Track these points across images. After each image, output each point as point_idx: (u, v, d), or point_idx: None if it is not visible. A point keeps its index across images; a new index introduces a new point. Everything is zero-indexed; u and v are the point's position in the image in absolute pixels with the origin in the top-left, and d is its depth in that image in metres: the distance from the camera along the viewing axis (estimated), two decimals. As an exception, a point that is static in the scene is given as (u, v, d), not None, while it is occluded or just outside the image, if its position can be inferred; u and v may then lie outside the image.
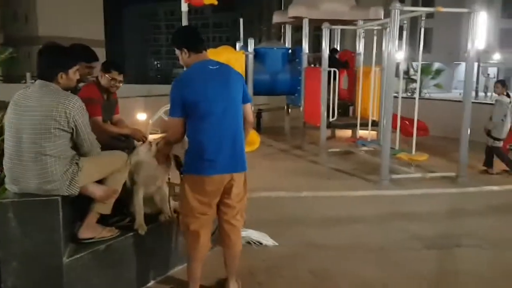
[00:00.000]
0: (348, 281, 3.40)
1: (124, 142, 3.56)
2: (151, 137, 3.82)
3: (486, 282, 3.39)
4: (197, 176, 2.72)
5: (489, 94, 25.98)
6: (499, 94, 6.67)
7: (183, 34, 2.93)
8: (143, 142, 3.50)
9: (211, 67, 2.74)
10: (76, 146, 2.69)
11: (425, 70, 20.58)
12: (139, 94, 12.57)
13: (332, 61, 8.27)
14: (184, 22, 9.36)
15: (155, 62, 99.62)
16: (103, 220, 2.99)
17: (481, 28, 5.85)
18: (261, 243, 3.95)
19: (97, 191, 2.77)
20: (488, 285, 3.36)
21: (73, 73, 2.70)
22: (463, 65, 37.23)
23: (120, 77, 3.51)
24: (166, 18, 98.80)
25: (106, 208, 2.89)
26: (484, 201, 5.32)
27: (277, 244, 4.00)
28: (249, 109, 2.90)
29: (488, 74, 32.00)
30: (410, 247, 4.11)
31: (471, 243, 4.17)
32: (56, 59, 2.65)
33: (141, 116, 10.01)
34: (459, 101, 10.74)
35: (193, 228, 2.80)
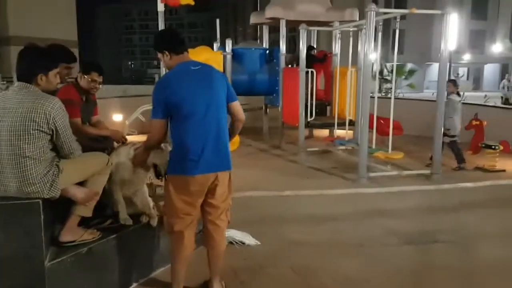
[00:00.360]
0: (330, 277, 3.45)
1: (103, 143, 3.53)
2: (128, 138, 3.79)
3: (462, 276, 3.50)
4: (181, 177, 2.72)
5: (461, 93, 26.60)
6: (450, 93, 6.93)
7: (163, 37, 2.96)
8: (123, 143, 3.49)
9: (193, 68, 2.77)
10: (56, 148, 2.65)
11: (399, 70, 20.96)
12: (114, 94, 12.41)
13: (310, 58, 8.37)
14: (161, 22, 9.31)
15: (129, 63, 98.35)
16: (84, 223, 2.95)
17: (453, 29, 6.02)
18: (243, 243, 3.97)
19: (78, 193, 2.73)
20: (463, 278, 3.47)
21: (54, 76, 2.66)
22: (434, 66, 38.27)
23: (100, 79, 3.49)
24: (140, 18, 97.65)
25: (87, 211, 2.86)
26: (459, 197, 5.48)
27: (259, 243, 4.02)
28: (237, 107, 2.90)
29: (458, 74, 32.90)
30: (388, 243, 4.21)
31: (447, 238, 4.30)
32: (35, 60, 2.61)
33: (117, 117, 9.88)
34: (432, 100, 11.05)
35: (177, 228, 2.80)
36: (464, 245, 4.17)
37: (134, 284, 3.21)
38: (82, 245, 2.80)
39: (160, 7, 9.12)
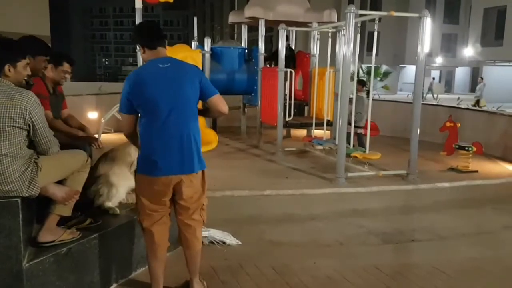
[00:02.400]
0: (310, 275, 3.47)
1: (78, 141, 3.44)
2: (103, 136, 3.74)
3: (439, 273, 3.58)
4: (145, 176, 2.71)
5: (435, 96, 27.19)
6: (358, 91, 7.66)
7: (138, 30, 2.87)
8: (96, 147, 3.44)
9: (160, 66, 2.68)
10: (33, 145, 2.57)
11: (374, 72, 21.25)
12: (89, 92, 12.17)
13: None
14: (138, 19, 9.17)
15: (104, 60, 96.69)
16: (63, 222, 2.88)
17: (428, 33, 6.16)
18: (224, 243, 3.96)
19: (58, 192, 2.66)
20: (440, 276, 3.55)
21: (22, 67, 2.57)
22: (408, 68, 39.07)
23: (70, 69, 3.42)
24: (115, 15, 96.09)
25: (66, 210, 2.79)
26: (434, 197, 5.61)
27: (240, 243, 4.02)
28: (216, 101, 2.79)
29: (433, 78, 33.73)
30: (367, 242, 4.28)
31: (424, 237, 4.40)
32: (1, 51, 2.52)
33: (93, 115, 9.69)
34: (406, 102, 11.27)
35: (146, 225, 2.79)
36: (440, 244, 4.28)
37: (114, 285, 3.15)
38: (62, 245, 2.73)
39: (138, 4, 8.96)
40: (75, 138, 3.43)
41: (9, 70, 2.50)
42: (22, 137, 2.48)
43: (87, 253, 2.88)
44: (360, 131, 7.67)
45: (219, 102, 2.81)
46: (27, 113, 2.44)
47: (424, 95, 23.71)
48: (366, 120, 7.17)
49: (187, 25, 61.45)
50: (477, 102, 20.93)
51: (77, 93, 10.80)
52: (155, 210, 2.76)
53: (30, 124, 2.48)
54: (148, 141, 2.68)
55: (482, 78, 24.43)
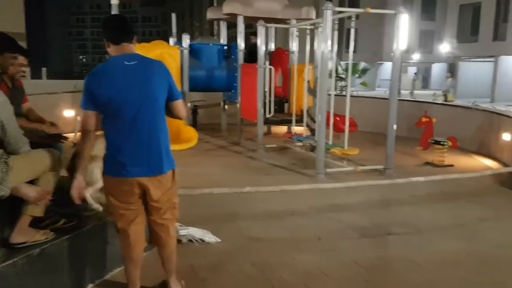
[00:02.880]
0: (290, 271, 3.49)
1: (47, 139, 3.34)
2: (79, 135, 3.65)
3: (416, 266, 3.64)
4: (111, 178, 2.63)
5: (415, 91, 27.56)
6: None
7: (103, 24, 2.70)
8: (62, 142, 3.35)
9: (126, 63, 2.54)
10: (3, 144, 2.50)
11: (352, 69, 21.42)
12: (65, 89, 11.94)
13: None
14: (115, 16, 9.00)
15: (81, 57, 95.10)
16: (35, 223, 2.82)
17: (404, 29, 6.23)
18: (203, 241, 3.94)
19: (30, 192, 2.60)
20: (417, 269, 3.61)
21: None
22: (386, 64, 39.58)
23: (26, 62, 3.29)
24: (92, 12, 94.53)
25: (39, 210, 2.73)
26: (411, 191, 5.68)
27: (219, 240, 4.00)
28: (179, 106, 2.73)
29: (415, 74, 34.28)
30: (345, 236, 4.31)
31: (401, 231, 4.47)
32: None
33: (69, 113, 9.51)
34: (384, 98, 11.41)
35: (121, 226, 2.71)
36: (417, 237, 4.35)
37: (90, 285, 3.10)
38: (34, 246, 2.67)
39: (113, 0, 8.87)
40: (43, 136, 3.34)
41: None
42: None
43: (61, 254, 2.83)
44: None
45: (181, 107, 2.76)
46: None
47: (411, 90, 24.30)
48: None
49: (165, 21, 60.81)
50: (445, 97, 21.61)
51: (53, 91, 10.59)
52: (128, 209, 2.67)
53: None
54: (114, 142, 2.58)
55: (450, 74, 25.34)
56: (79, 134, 2.77)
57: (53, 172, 2.79)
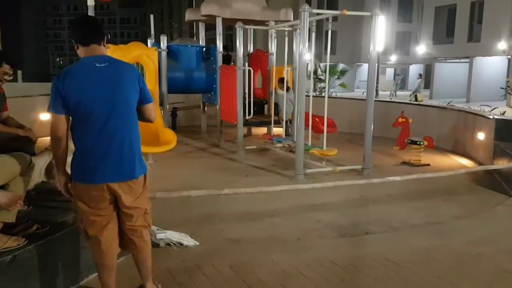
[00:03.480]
0: (267, 271, 3.49)
1: (20, 143, 3.29)
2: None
3: (391, 264, 3.69)
4: (80, 184, 2.54)
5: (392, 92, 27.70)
6: (277, 88, 8.38)
7: (71, 25, 2.60)
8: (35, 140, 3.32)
9: (97, 65, 2.47)
10: None
11: (331, 70, 21.66)
12: (41, 92, 11.72)
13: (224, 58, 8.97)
14: (91, 17, 8.89)
15: (57, 59, 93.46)
16: (7, 229, 2.75)
17: (381, 31, 6.33)
18: (181, 244, 3.91)
19: (0, 198, 2.54)
20: (393, 267, 3.65)
21: None
22: (364, 66, 39.99)
23: (11, 71, 3.27)
24: (69, 13, 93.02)
25: (10, 216, 2.67)
26: (387, 190, 5.77)
27: (197, 243, 3.98)
28: (150, 110, 2.68)
29: (398, 74, 34.72)
30: (323, 236, 4.36)
31: (378, 229, 4.53)
32: None
33: (45, 116, 9.32)
34: (362, 99, 11.55)
35: (92, 233, 2.63)
36: (393, 236, 4.43)
37: (64, 292, 3.05)
38: (6, 253, 2.60)
39: (90, 1, 8.73)
40: (15, 138, 3.30)
41: None
42: None
43: (34, 260, 2.76)
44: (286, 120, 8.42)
45: (153, 111, 2.71)
46: None
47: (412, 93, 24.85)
48: (292, 114, 8.03)
49: (144, 23, 60.28)
50: (415, 97, 22.25)
51: (29, 93, 10.38)
52: (99, 215, 2.59)
53: None
54: (82, 146, 2.49)
55: (420, 75, 26.27)
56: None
57: (23, 177, 2.73)
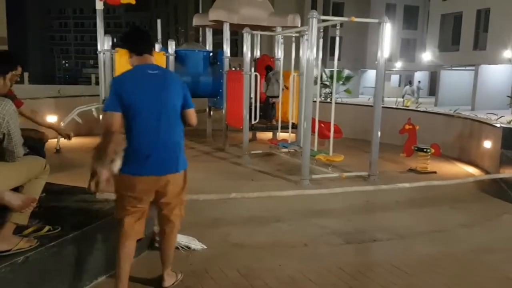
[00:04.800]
0: (274, 277, 3.50)
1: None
2: (62, 141, 3.66)
3: (398, 272, 3.69)
4: (129, 177, 2.80)
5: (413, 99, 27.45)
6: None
7: (126, 36, 2.99)
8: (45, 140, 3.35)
9: (149, 72, 2.82)
10: (3, 152, 2.50)
11: (336, 76, 21.65)
12: (48, 94, 11.80)
13: None
14: (99, 21, 9.00)
15: (63, 62, 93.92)
16: (19, 230, 2.78)
17: (387, 38, 6.35)
18: (189, 248, 3.92)
19: (14, 200, 2.56)
20: (399, 274, 3.65)
21: (9, 79, 2.54)
22: (369, 72, 40.05)
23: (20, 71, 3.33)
24: (75, 16, 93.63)
25: (23, 218, 2.70)
26: (395, 197, 5.76)
27: (205, 247, 4.00)
28: (191, 114, 2.99)
29: (419, 81, 34.64)
30: (330, 242, 4.35)
31: (384, 236, 4.52)
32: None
33: (52, 118, 9.38)
34: (367, 105, 11.56)
35: (120, 216, 2.90)
36: (400, 243, 4.42)
37: (74, 294, 3.07)
38: (18, 254, 2.63)
39: (99, 5, 8.84)
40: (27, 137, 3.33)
41: (0, 83, 2.47)
42: None
43: (45, 261, 2.79)
44: (273, 100, 8.70)
45: (193, 116, 3.00)
46: (5, 121, 2.40)
47: (415, 98, 25.13)
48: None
49: (150, 27, 60.65)
50: (403, 102, 23.22)
51: (36, 96, 10.45)
52: (135, 207, 2.87)
53: (6, 133, 2.43)
54: (134, 143, 2.79)
55: (409, 82, 27.16)
56: (61, 139, 2.78)
57: (38, 179, 2.76)
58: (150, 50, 2.91)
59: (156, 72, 2.84)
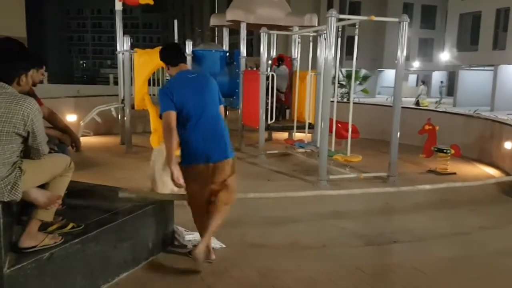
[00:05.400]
0: (295, 278, 3.49)
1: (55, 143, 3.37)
2: (82, 139, 3.70)
3: (419, 274, 3.65)
4: (190, 167, 3.36)
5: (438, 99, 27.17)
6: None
7: (163, 52, 3.55)
8: (77, 148, 3.37)
9: (189, 76, 3.44)
10: (28, 150, 2.54)
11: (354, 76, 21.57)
12: (67, 94, 11.98)
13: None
14: (118, 21, 9.10)
15: (81, 62, 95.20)
16: (44, 227, 2.83)
17: (405, 37, 6.27)
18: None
19: (40, 197, 2.61)
20: (420, 276, 3.62)
21: (31, 76, 2.59)
22: (386, 72, 39.67)
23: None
24: (93, 17, 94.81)
25: (48, 215, 2.74)
26: (414, 199, 5.68)
27: (224, 246, 4.01)
28: (222, 109, 3.57)
29: (442, 82, 34.59)
30: (350, 244, 4.32)
31: (404, 238, 4.47)
32: (18, 59, 2.51)
33: (71, 118, 9.53)
34: (385, 105, 11.45)
35: (195, 208, 3.57)
36: (420, 245, 4.36)
37: (97, 291, 3.10)
38: (43, 251, 2.68)
39: (118, 6, 8.94)
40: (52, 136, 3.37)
41: (22, 79, 2.52)
42: (16, 144, 2.46)
43: (69, 258, 2.83)
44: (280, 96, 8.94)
45: (223, 111, 3.57)
46: (29, 119, 2.44)
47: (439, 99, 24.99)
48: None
49: (166, 27, 61.01)
50: (417, 103, 22.73)
51: (55, 95, 10.61)
52: (201, 193, 3.43)
53: (30, 131, 2.47)
54: (187, 139, 3.33)
55: (422, 82, 26.94)
56: (81, 139, 2.84)
57: (63, 177, 2.80)
58: (183, 59, 3.54)
59: (194, 75, 3.45)
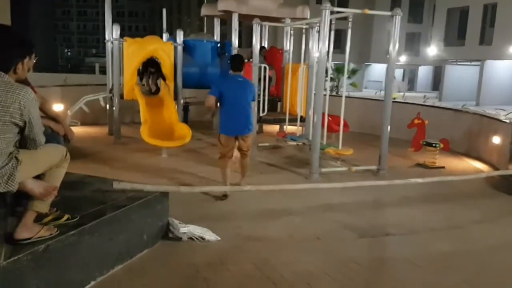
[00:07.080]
0: (291, 270, 3.49)
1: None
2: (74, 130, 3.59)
3: (414, 267, 3.69)
4: (227, 135, 5.32)
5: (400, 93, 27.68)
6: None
7: (233, 59, 5.46)
8: (70, 139, 3.29)
9: (239, 79, 5.30)
10: (25, 140, 2.48)
11: (342, 69, 21.56)
12: (53, 83, 11.77)
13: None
14: (108, 8, 8.93)
15: (66, 50, 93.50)
16: (38, 219, 2.77)
17: (397, 31, 6.27)
18: (203, 238, 3.92)
19: (36, 188, 2.55)
20: (415, 269, 3.66)
21: (27, 63, 2.50)
22: (373, 66, 39.88)
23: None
24: (78, 5, 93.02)
25: (44, 207, 2.69)
26: (405, 192, 5.72)
27: (219, 238, 3.99)
28: (253, 104, 5.65)
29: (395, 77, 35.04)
30: (344, 236, 4.34)
31: (397, 231, 4.51)
32: (14, 47, 2.43)
33: (58, 107, 9.35)
34: (375, 99, 11.51)
35: (222, 156, 5.42)
36: (413, 238, 4.41)
37: (93, 282, 3.06)
38: (39, 242, 2.63)
39: (107, -6, 8.77)
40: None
41: (19, 67, 2.45)
42: (13, 133, 2.41)
43: (65, 250, 2.78)
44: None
45: (254, 105, 5.76)
46: (26, 109, 2.38)
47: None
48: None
49: (153, 16, 60.26)
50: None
51: (41, 84, 10.40)
52: (228, 147, 5.38)
53: (27, 121, 2.41)
54: (226, 117, 5.27)
55: (395, 76, 27.52)
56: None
57: (59, 168, 2.74)
58: (241, 68, 5.32)
59: (241, 80, 5.31)
